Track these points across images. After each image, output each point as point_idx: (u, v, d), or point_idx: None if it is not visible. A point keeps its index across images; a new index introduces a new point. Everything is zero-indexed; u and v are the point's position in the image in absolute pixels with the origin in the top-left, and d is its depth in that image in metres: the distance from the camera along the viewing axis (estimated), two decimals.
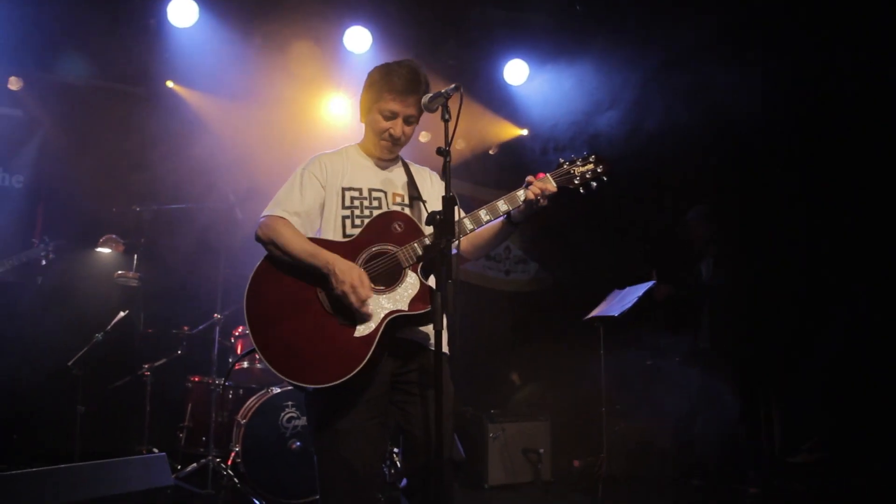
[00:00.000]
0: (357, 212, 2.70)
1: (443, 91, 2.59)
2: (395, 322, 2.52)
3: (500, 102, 6.89)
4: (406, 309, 2.52)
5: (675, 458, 5.89)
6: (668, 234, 6.22)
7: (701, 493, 5.29)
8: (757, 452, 5.86)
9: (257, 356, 5.18)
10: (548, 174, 2.70)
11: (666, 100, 5.77)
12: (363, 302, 2.46)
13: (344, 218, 2.70)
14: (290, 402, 4.95)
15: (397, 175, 2.84)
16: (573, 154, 2.76)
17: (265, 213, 2.69)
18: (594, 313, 5.32)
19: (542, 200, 2.63)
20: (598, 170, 2.71)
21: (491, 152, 7.39)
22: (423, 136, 7.07)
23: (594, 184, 2.72)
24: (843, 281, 5.43)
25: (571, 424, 6.31)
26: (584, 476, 5.47)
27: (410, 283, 2.56)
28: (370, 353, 2.46)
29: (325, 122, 6.76)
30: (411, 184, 2.81)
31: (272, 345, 2.51)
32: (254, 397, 5.08)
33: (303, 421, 4.94)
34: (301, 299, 2.55)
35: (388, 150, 2.78)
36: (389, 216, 2.66)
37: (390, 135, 2.71)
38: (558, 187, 2.69)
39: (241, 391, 5.36)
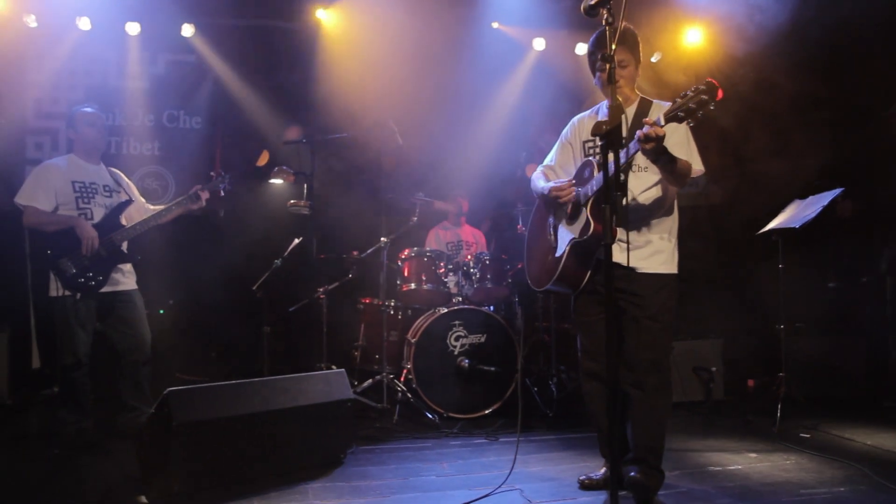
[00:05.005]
0: (590, 157, 3.26)
1: None
2: (576, 247, 3.14)
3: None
4: (577, 236, 3.11)
5: (865, 378, 5.47)
6: (859, 140, 5.59)
7: (894, 417, 4.89)
8: None
9: (424, 277, 5.35)
10: (662, 114, 2.69)
11: None
12: (566, 195, 3.17)
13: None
14: (457, 322, 5.07)
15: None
16: (697, 85, 2.56)
17: None
18: (772, 225, 4.95)
19: (646, 145, 2.69)
20: (704, 98, 2.53)
21: (652, 60, 6.92)
22: (655, 57, 6.86)
23: (700, 113, 2.58)
24: None
25: (745, 343, 6.02)
26: (760, 396, 5.21)
27: (582, 218, 3.11)
28: (559, 269, 3.21)
29: (479, 45, 6.63)
30: (635, 122, 3.10)
31: (527, 262, 3.53)
32: (422, 317, 5.26)
33: (470, 339, 5.06)
34: (541, 228, 3.44)
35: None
36: (585, 164, 3.20)
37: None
38: (669, 121, 2.66)
39: (409, 311, 5.57)
